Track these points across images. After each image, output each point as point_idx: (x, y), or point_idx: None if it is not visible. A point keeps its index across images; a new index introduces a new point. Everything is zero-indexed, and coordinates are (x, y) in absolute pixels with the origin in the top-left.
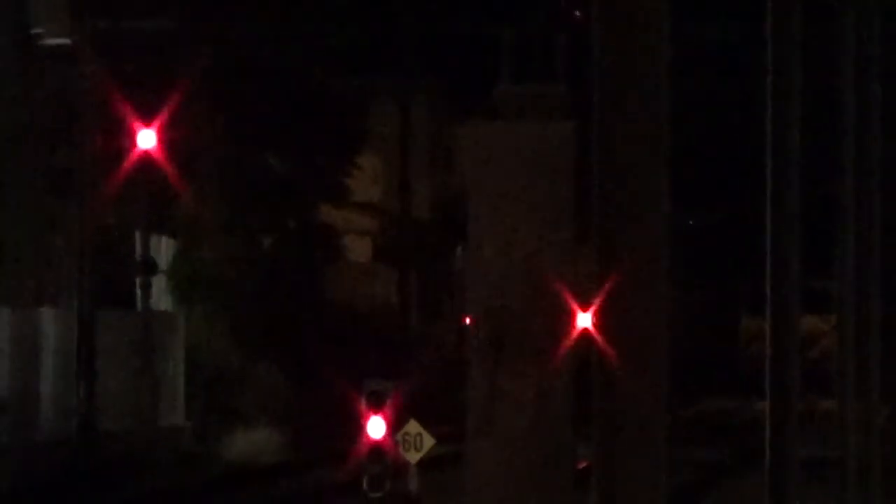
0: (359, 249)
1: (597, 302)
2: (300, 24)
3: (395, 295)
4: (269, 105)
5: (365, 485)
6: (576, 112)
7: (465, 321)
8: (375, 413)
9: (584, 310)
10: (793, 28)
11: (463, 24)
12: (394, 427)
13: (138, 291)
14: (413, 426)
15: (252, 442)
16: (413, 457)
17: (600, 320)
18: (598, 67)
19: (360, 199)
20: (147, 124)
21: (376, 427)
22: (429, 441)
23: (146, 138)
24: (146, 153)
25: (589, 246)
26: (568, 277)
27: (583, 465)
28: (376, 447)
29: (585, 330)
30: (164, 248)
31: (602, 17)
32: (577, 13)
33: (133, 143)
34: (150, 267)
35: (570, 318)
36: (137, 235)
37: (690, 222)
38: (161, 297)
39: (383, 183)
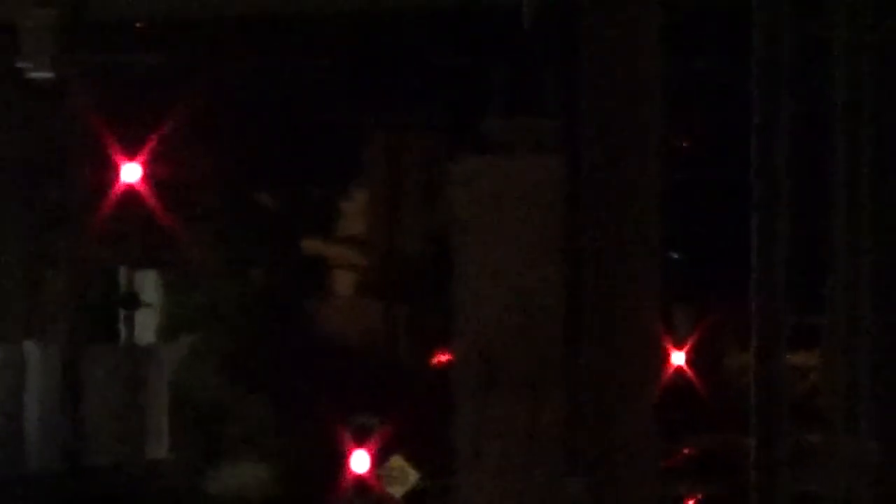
0: (346, 283)
1: (588, 337)
2: (290, 57)
3: (384, 329)
4: (259, 138)
5: None
6: (567, 146)
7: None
8: (360, 447)
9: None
10: (780, 64)
11: (453, 57)
12: (378, 461)
13: (121, 326)
14: (396, 461)
15: (237, 477)
16: (397, 491)
17: (591, 355)
18: (589, 102)
19: (347, 232)
20: (133, 158)
21: (360, 461)
22: (412, 476)
23: (131, 172)
24: (131, 187)
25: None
26: (558, 312)
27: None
28: (360, 482)
29: (575, 365)
30: (150, 282)
31: (592, 50)
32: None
33: (118, 177)
34: (133, 301)
35: (560, 352)
36: (121, 270)
37: (676, 256)
38: (146, 330)
39: (371, 216)
